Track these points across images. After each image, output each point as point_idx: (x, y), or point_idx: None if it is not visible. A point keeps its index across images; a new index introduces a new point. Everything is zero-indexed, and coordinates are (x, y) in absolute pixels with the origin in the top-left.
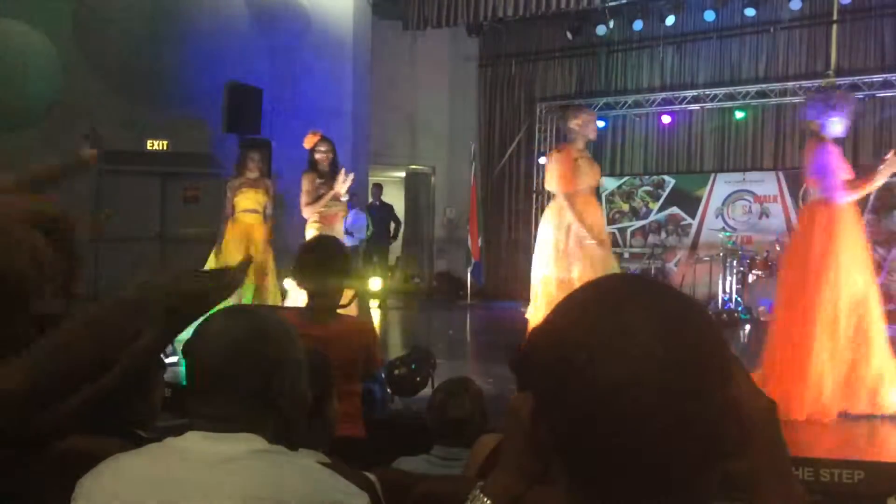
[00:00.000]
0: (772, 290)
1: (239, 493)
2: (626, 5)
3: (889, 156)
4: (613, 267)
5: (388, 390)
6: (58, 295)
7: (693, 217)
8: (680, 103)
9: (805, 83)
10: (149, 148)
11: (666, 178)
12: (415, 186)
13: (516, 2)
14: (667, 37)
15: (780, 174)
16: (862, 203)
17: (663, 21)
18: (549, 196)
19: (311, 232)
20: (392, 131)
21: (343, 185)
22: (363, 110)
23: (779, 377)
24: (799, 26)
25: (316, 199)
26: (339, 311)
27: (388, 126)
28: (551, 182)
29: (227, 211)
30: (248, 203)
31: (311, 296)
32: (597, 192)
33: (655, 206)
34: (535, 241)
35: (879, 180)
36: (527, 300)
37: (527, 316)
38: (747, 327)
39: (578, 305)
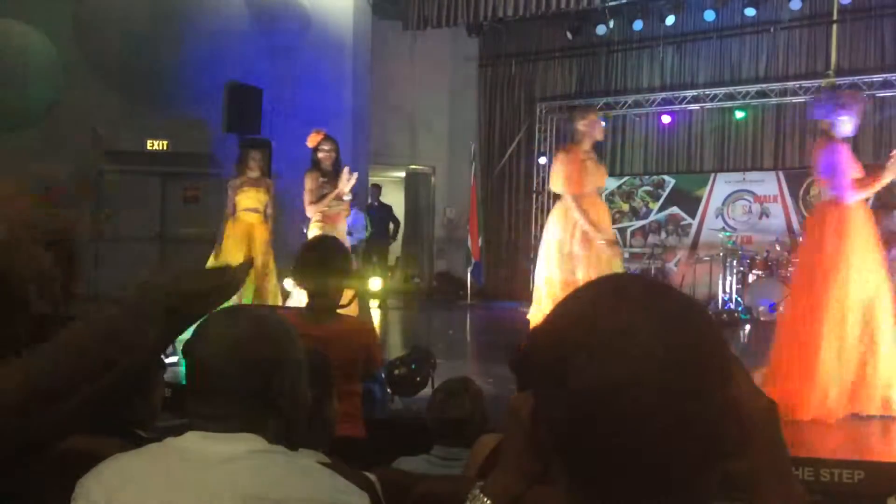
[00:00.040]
0: (772, 290)
1: (239, 493)
2: (626, 5)
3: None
4: (618, 269)
5: (388, 390)
6: (57, 295)
7: (693, 217)
8: (680, 103)
9: (805, 83)
10: (149, 148)
11: (666, 178)
12: (415, 186)
13: (516, 2)
14: (667, 37)
15: (780, 174)
16: None
17: (663, 21)
18: (549, 196)
19: (313, 231)
20: (392, 131)
21: (347, 183)
22: (363, 110)
23: (785, 376)
24: (799, 26)
25: (319, 198)
26: (339, 311)
27: (388, 126)
28: (557, 183)
29: (228, 210)
30: (250, 202)
31: (311, 296)
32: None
33: (655, 206)
34: (535, 240)
35: (888, 178)
36: (527, 300)
37: (528, 317)
38: (747, 327)
39: (578, 305)
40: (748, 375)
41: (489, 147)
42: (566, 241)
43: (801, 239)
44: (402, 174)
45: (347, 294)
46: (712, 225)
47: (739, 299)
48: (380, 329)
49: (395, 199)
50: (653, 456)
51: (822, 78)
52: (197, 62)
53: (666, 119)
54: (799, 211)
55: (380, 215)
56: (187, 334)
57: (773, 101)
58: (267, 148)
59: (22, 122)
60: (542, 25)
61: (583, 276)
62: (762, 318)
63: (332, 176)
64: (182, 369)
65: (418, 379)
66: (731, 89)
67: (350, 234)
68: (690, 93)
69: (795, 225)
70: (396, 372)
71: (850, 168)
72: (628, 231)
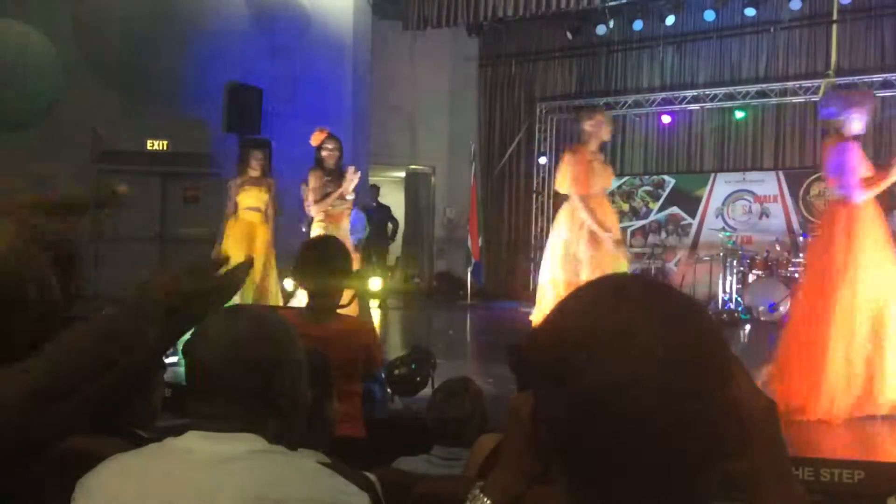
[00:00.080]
0: (772, 290)
1: (239, 493)
2: (626, 5)
3: None
4: (624, 270)
5: (388, 390)
6: (57, 295)
7: (693, 217)
8: (680, 103)
9: (805, 83)
10: (149, 148)
11: (666, 177)
12: (415, 186)
13: (516, 2)
14: (667, 37)
15: (780, 174)
16: None
17: (663, 21)
18: (550, 196)
19: (316, 231)
20: (392, 131)
21: (351, 183)
22: (363, 110)
23: (792, 376)
24: (799, 26)
25: (322, 197)
26: (339, 311)
27: (388, 126)
28: (564, 184)
29: (228, 209)
30: (251, 201)
31: (311, 296)
32: None
33: (655, 206)
34: (535, 240)
35: (894, 176)
36: (527, 300)
37: (531, 318)
38: (747, 327)
39: (578, 305)
40: (748, 375)
41: (489, 147)
42: (572, 242)
43: (809, 238)
44: (402, 174)
45: (347, 294)
46: (712, 225)
47: (739, 299)
48: (380, 329)
49: (395, 199)
50: (653, 456)
51: (822, 78)
52: (197, 62)
53: (666, 119)
54: (799, 211)
55: (378, 216)
56: (188, 334)
57: (773, 101)
58: (267, 148)
59: (22, 122)
60: (542, 25)
61: (587, 277)
62: (762, 318)
63: (336, 175)
64: (182, 369)
65: (418, 379)
66: (731, 89)
67: (351, 233)
68: (690, 93)
69: (795, 225)
70: (396, 372)
71: (860, 167)
72: (628, 231)
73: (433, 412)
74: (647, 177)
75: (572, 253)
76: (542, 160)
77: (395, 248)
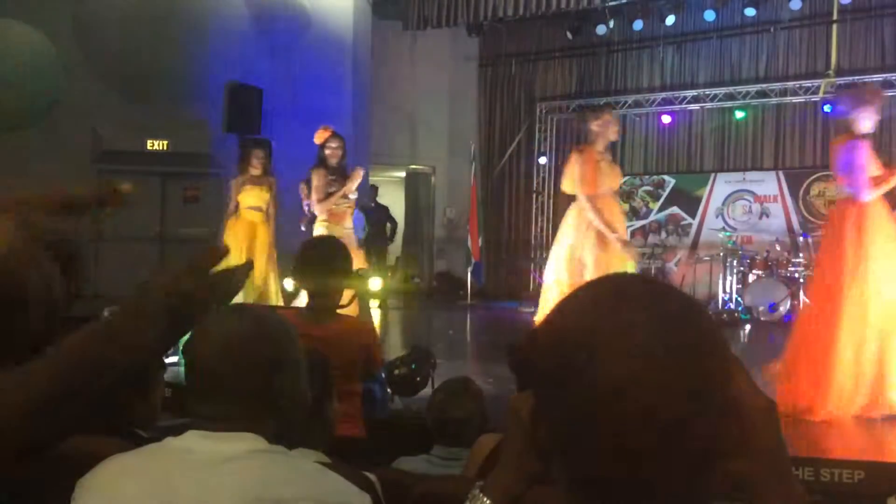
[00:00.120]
0: (772, 290)
1: (239, 493)
2: (626, 5)
3: None
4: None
5: (388, 390)
6: (58, 295)
7: (693, 217)
8: (680, 103)
9: (805, 83)
10: (149, 148)
11: (666, 177)
12: (415, 186)
13: (516, 2)
14: (667, 37)
15: (780, 174)
16: None
17: (663, 21)
18: (550, 196)
19: (319, 230)
20: (392, 131)
21: (354, 182)
22: (363, 110)
23: (800, 376)
24: (799, 26)
25: (326, 195)
26: (339, 311)
27: (388, 126)
28: (571, 184)
29: (229, 208)
30: (252, 200)
31: (311, 296)
32: None
33: (655, 206)
34: (535, 240)
35: None
36: (527, 300)
37: (534, 318)
38: (747, 327)
39: (578, 305)
40: (748, 375)
41: (489, 147)
42: (578, 244)
43: (811, 239)
44: (402, 174)
45: (347, 294)
46: (712, 225)
47: (739, 299)
48: (380, 329)
49: (395, 199)
50: (653, 456)
51: (822, 78)
52: (197, 62)
53: (666, 119)
54: (799, 211)
55: (377, 216)
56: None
57: (773, 101)
58: (267, 147)
59: (22, 122)
60: (542, 25)
61: (592, 278)
62: (762, 318)
63: (339, 173)
64: (182, 369)
65: (418, 379)
66: (731, 89)
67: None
68: (690, 93)
69: (795, 225)
70: (396, 372)
71: (870, 165)
72: (628, 231)
73: (433, 412)
74: (647, 177)
75: (577, 256)
76: (542, 160)
77: (395, 248)
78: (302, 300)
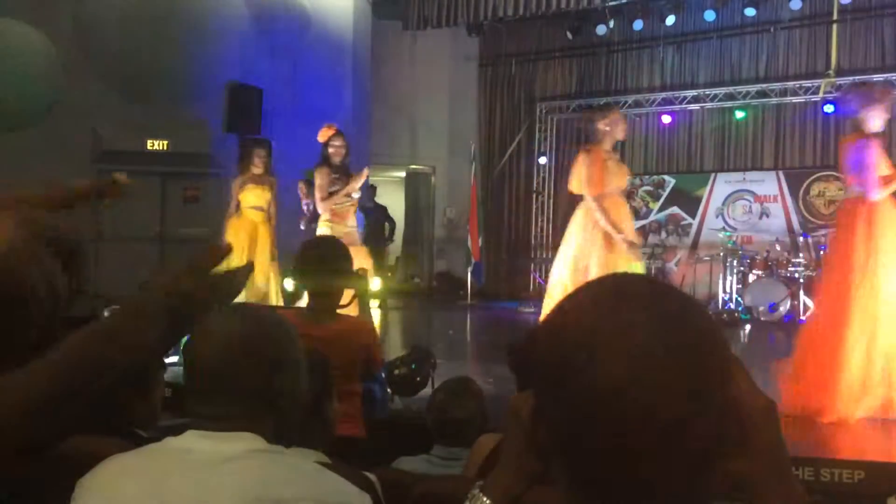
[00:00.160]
0: (772, 290)
1: (238, 493)
2: (626, 5)
3: None
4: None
5: (388, 390)
6: (60, 292)
7: (693, 217)
8: (680, 103)
9: (805, 83)
10: (149, 148)
11: (666, 177)
12: (415, 186)
13: (516, 2)
14: (667, 37)
15: (780, 174)
16: None
17: (663, 21)
18: (550, 196)
19: (323, 229)
20: (392, 131)
21: (359, 181)
22: (363, 110)
23: (810, 376)
24: (799, 26)
25: (329, 194)
26: (339, 311)
27: (388, 126)
28: (578, 184)
29: (231, 207)
30: (254, 200)
31: (311, 296)
32: None
33: (655, 206)
34: (535, 240)
35: None
36: (527, 300)
37: (539, 318)
38: (747, 327)
39: (578, 305)
40: (748, 375)
41: (489, 147)
42: (585, 246)
43: (819, 235)
44: (402, 174)
45: (347, 294)
46: (712, 225)
47: (739, 299)
48: (380, 329)
49: (395, 199)
50: (653, 456)
51: (822, 78)
52: (197, 62)
53: (666, 119)
54: (799, 211)
55: (375, 216)
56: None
57: (773, 101)
58: (268, 147)
59: (22, 122)
60: (542, 25)
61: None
62: (762, 318)
63: (342, 172)
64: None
65: (418, 379)
66: (731, 89)
67: None
68: (690, 93)
69: (795, 225)
70: (396, 372)
71: (879, 164)
72: None
73: (433, 412)
74: (647, 177)
75: (582, 267)
76: (542, 160)
77: (395, 247)
78: (302, 300)
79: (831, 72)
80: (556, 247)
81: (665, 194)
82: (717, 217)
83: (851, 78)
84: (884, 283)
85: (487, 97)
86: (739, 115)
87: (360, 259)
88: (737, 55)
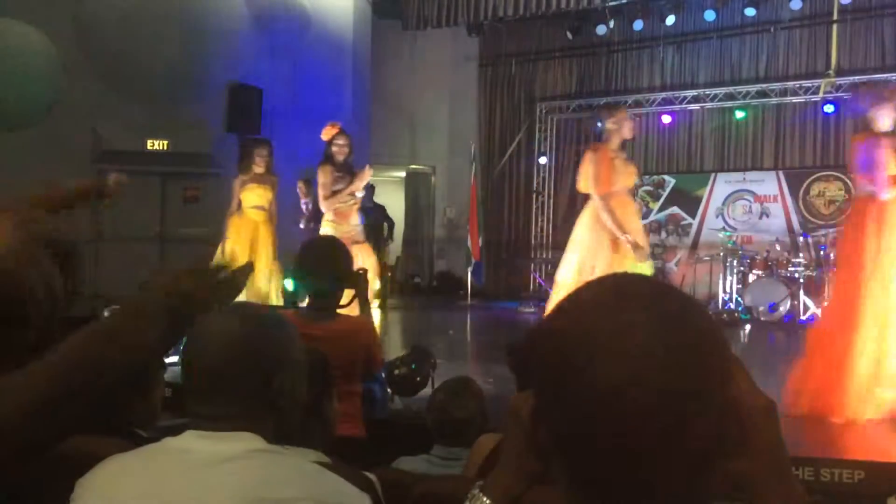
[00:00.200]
0: (772, 290)
1: (238, 493)
2: (626, 5)
3: None
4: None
5: (388, 390)
6: (58, 293)
7: (693, 217)
8: (680, 103)
9: (805, 83)
10: (149, 148)
11: (666, 177)
12: (415, 186)
13: (516, 1)
14: (667, 37)
15: (780, 174)
16: None
17: (663, 21)
18: (550, 196)
19: (326, 229)
20: (392, 131)
21: (363, 181)
22: (363, 110)
23: (820, 376)
24: (799, 26)
25: (333, 193)
26: (339, 311)
27: (388, 126)
28: (586, 183)
29: (232, 206)
30: (255, 199)
31: (311, 296)
32: None
33: (656, 206)
34: (535, 240)
35: None
36: (526, 300)
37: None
38: (747, 327)
39: (578, 305)
40: (748, 375)
41: (489, 147)
42: (592, 246)
43: (819, 235)
44: (402, 174)
45: (347, 294)
46: (712, 225)
47: (739, 299)
48: (380, 329)
49: (395, 199)
50: (653, 456)
51: (822, 78)
52: (197, 62)
53: (666, 119)
54: (799, 211)
55: (374, 216)
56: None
57: (773, 101)
58: (269, 146)
59: (22, 122)
60: (542, 25)
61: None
62: (762, 318)
63: (345, 170)
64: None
65: (418, 379)
66: (731, 89)
67: None
68: (690, 93)
69: (795, 225)
70: (396, 372)
71: (889, 163)
72: None
73: (434, 412)
74: (647, 177)
75: (590, 266)
76: (542, 160)
77: (395, 247)
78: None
79: (831, 72)
80: (556, 247)
81: (665, 194)
82: (717, 217)
83: (851, 78)
84: (894, 281)
85: (487, 97)
86: (739, 115)
87: (365, 256)
88: (737, 55)
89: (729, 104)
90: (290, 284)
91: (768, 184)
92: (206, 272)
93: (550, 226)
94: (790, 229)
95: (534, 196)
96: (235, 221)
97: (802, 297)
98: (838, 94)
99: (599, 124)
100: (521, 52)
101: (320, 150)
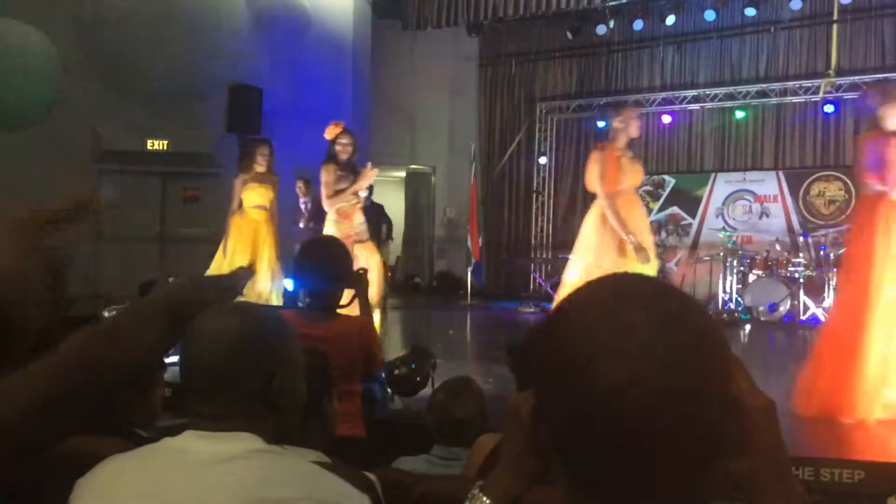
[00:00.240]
0: (772, 290)
1: (238, 493)
2: (626, 5)
3: None
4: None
5: (388, 390)
6: (44, 305)
7: (693, 217)
8: (680, 103)
9: (805, 83)
10: (149, 148)
11: (666, 177)
12: (415, 186)
13: (516, 1)
14: (667, 37)
15: (780, 174)
16: None
17: (663, 21)
18: (550, 196)
19: (329, 228)
20: (392, 131)
21: (366, 180)
22: (363, 110)
23: (829, 376)
24: (799, 26)
25: (336, 193)
26: (339, 311)
27: (388, 126)
28: (592, 182)
29: (233, 206)
30: (257, 199)
31: (310, 296)
32: None
33: (656, 206)
34: (535, 240)
35: None
36: (526, 300)
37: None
38: (747, 327)
39: (578, 305)
40: (748, 375)
41: (489, 147)
42: (599, 246)
43: (820, 235)
44: (402, 174)
45: (347, 294)
46: (712, 225)
47: (739, 299)
48: (380, 329)
49: (395, 199)
50: (653, 456)
51: (822, 78)
52: (197, 62)
53: (666, 119)
54: (799, 211)
55: (372, 215)
56: None
57: (773, 101)
58: (271, 145)
59: (22, 122)
60: (542, 25)
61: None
62: (762, 318)
63: (349, 170)
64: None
65: (418, 379)
66: (731, 89)
67: None
68: (690, 93)
69: (795, 225)
70: (396, 372)
71: None
72: None
73: (434, 412)
74: (647, 177)
75: (597, 265)
76: (542, 160)
77: (395, 247)
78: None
79: (831, 72)
80: (556, 247)
81: (665, 194)
82: (717, 217)
83: (851, 78)
84: None
85: (487, 97)
86: (739, 115)
87: (369, 256)
88: (737, 55)
89: (729, 104)
90: (290, 284)
91: (768, 184)
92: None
93: (550, 226)
94: (790, 229)
95: (534, 196)
96: (237, 221)
97: (802, 297)
98: (838, 94)
99: (602, 123)
100: (521, 52)
101: (320, 150)
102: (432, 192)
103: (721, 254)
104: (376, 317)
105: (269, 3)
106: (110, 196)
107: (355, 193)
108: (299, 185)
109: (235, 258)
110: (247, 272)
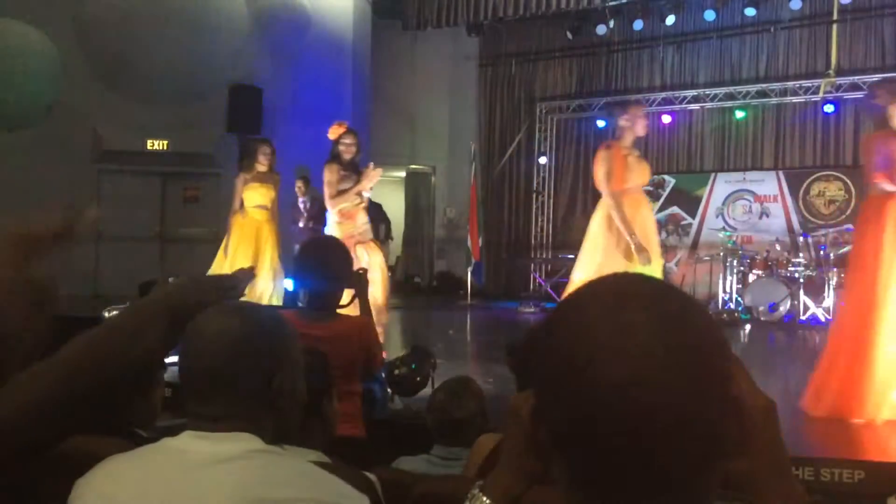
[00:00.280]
0: (772, 290)
1: (237, 493)
2: (626, 5)
3: None
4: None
5: (388, 390)
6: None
7: (693, 217)
8: (680, 103)
9: (805, 83)
10: (149, 148)
11: (666, 177)
12: (415, 186)
13: (516, 1)
14: (667, 36)
15: (780, 174)
16: None
17: (663, 21)
18: (550, 196)
19: (332, 229)
20: (392, 131)
21: (370, 180)
22: (363, 110)
23: (840, 376)
24: (799, 26)
25: (339, 193)
26: (339, 311)
27: (388, 126)
28: (599, 180)
29: (234, 206)
30: (258, 198)
31: (310, 296)
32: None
33: (656, 206)
34: (535, 240)
35: None
36: (526, 300)
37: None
38: (747, 327)
39: (579, 305)
40: (748, 375)
41: (489, 147)
42: (602, 261)
43: (820, 235)
44: (402, 174)
45: (347, 294)
46: (712, 225)
47: (739, 299)
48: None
49: (395, 199)
50: (653, 456)
51: (822, 78)
52: (197, 62)
53: (666, 119)
54: (799, 211)
55: (371, 215)
56: None
57: (773, 101)
58: (272, 145)
59: (22, 122)
60: (542, 25)
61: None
62: (762, 318)
63: (352, 170)
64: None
65: (418, 379)
66: (731, 89)
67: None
68: (690, 93)
69: (795, 225)
70: (396, 372)
71: None
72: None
73: (434, 412)
74: None
75: (604, 265)
76: (542, 160)
77: (395, 247)
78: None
79: (831, 72)
80: (556, 247)
81: (665, 194)
82: (717, 217)
83: (851, 78)
84: None
85: (487, 97)
86: (739, 115)
87: (373, 255)
88: (737, 55)
89: (729, 104)
90: (290, 284)
91: (768, 184)
92: (214, 285)
93: (550, 226)
94: (790, 229)
95: (534, 196)
96: (238, 221)
97: (802, 297)
98: (838, 94)
99: (602, 123)
100: (521, 52)
101: (320, 150)
102: (432, 192)
103: (721, 254)
104: (382, 318)
105: (269, 3)
106: (94, 217)
107: (359, 194)
108: (298, 185)
109: (237, 258)
110: (248, 273)
